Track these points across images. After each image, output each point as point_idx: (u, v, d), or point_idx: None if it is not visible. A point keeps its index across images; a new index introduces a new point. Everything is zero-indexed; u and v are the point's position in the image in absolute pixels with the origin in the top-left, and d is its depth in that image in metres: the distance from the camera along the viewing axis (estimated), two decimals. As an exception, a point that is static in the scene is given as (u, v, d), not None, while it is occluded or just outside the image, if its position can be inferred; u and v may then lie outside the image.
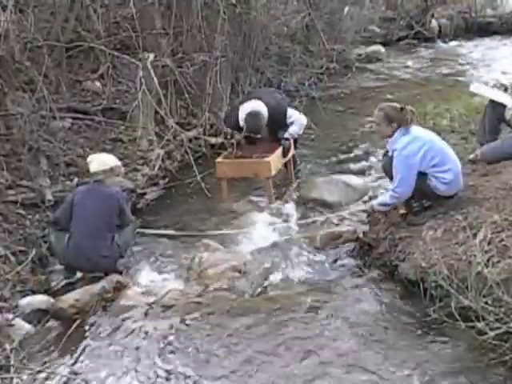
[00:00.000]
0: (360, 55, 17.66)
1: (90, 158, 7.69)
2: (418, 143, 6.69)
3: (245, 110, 8.95)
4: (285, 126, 9.18)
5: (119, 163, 7.77)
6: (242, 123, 8.96)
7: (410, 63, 17.50)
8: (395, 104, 6.96)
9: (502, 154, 7.69)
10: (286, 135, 9.16)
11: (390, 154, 6.86)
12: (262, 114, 8.91)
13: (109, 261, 7.18)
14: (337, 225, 8.07)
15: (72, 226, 7.22)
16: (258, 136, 8.94)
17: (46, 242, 7.66)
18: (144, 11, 11.40)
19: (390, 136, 6.78)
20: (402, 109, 6.78)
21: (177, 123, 10.42)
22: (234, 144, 9.13)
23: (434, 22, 20.22)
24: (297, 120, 9.28)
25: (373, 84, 15.30)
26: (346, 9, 18.23)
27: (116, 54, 11.15)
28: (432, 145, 6.75)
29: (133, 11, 10.70)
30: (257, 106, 8.97)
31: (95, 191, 7.38)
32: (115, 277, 7.02)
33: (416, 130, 6.84)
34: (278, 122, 9.12)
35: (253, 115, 8.89)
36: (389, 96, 13.17)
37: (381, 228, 7.11)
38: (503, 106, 7.84)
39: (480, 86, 8.76)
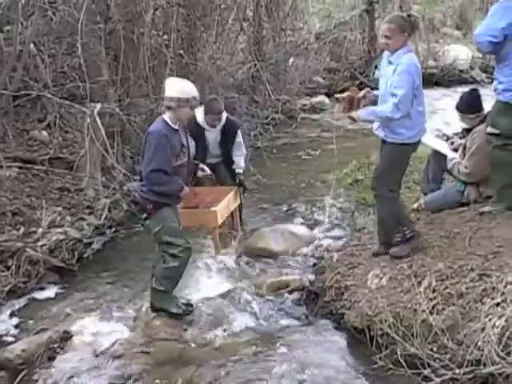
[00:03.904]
0: (305, 105, 17.90)
1: (167, 80, 6.94)
2: (419, 66, 6.63)
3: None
4: (232, 144, 9.12)
5: (197, 95, 6.78)
6: (200, 119, 8.91)
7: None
8: (401, 13, 6.91)
9: (445, 202, 7.84)
10: (238, 169, 9.18)
11: (393, 67, 6.54)
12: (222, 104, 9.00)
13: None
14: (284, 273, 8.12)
15: None
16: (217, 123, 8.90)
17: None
18: (91, 61, 11.44)
19: (397, 49, 6.51)
20: (409, 15, 6.64)
21: (123, 174, 10.41)
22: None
23: (377, 73, 20.53)
24: (241, 145, 9.21)
25: (318, 134, 15.44)
26: (291, 60, 18.52)
27: (62, 100, 11.13)
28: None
29: (80, 61, 10.74)
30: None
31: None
32: (62, 327, 6.92)
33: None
34: (230, 134, 9.06)
35: (214, 98, 9.07)
36: (332, 146, 13.31)
37: (327, 276, 7.16)
38: (445, 156, 8.01)
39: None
